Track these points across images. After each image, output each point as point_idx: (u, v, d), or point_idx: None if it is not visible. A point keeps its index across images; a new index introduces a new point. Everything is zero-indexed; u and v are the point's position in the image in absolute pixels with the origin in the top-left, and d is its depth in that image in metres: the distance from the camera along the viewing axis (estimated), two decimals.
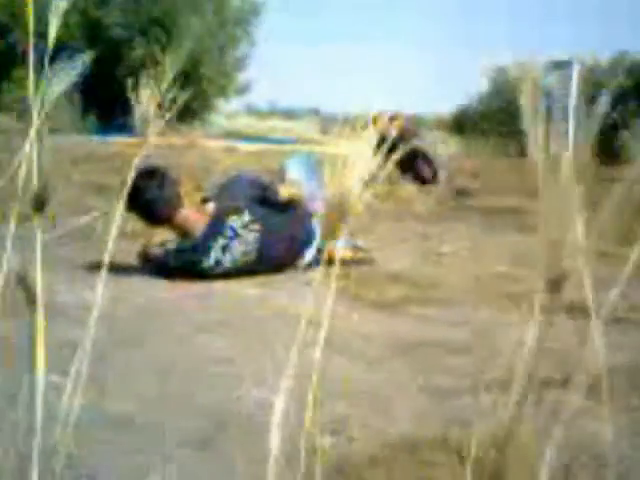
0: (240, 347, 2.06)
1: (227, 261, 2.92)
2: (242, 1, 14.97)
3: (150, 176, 2.83)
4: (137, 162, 0.86)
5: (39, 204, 0.68)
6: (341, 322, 2.20)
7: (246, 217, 2.99)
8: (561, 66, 11.38)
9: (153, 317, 2.34)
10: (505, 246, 3.64)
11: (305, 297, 0.69)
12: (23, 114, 11.33)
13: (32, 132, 0.70)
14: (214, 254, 2.89)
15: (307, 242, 3.13)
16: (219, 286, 2.81)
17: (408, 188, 5.39)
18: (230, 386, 1.76)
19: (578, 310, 1.55)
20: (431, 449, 1.49)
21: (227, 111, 17.04)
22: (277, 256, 3.06)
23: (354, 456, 1.45)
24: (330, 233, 0.73)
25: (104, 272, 0.73)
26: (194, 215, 2.93)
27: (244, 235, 2.97)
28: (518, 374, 0.64)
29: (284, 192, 3.22)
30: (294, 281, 2.89)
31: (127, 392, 1.71)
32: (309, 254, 3.12)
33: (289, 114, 22.60)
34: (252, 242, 2.98)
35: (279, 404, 0.72)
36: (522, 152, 11.45)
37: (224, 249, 2.91)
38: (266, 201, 3.15)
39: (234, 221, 2.97)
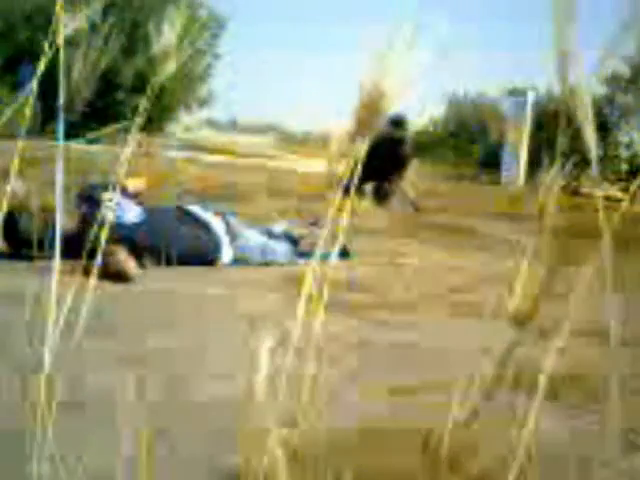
0: None
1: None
2: (208, 13, 15.04)
3: None
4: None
5: None
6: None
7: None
8: (517, 93, 11.80)
9: None
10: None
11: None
12: None
13: None
14: None
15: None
16: None
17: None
18: None
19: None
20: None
21: (187, 123, 17.06)
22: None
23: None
24: None
25: None
26: None
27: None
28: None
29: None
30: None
31: None
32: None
33: (249, 129, 22.74)
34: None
35: None
36: (474, 177, 11.75)
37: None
38: None
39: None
